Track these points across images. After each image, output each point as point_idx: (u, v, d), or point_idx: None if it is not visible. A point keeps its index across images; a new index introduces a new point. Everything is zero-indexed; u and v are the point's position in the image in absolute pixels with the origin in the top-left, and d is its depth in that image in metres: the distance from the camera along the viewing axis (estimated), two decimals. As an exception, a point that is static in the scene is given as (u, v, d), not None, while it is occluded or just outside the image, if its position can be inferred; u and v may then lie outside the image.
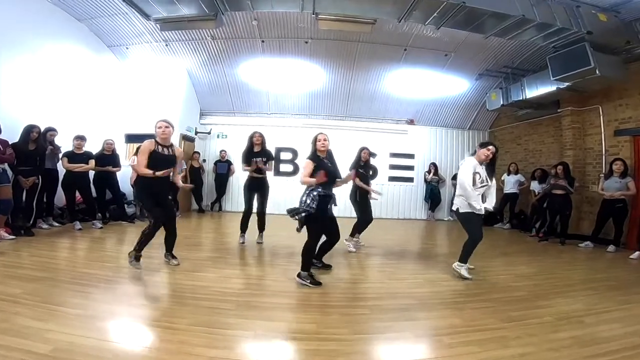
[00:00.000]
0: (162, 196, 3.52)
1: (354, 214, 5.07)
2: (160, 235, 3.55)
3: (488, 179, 3.66)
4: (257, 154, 4.78)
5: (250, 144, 4.80)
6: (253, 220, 4.96)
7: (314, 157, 3.42)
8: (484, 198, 3.70)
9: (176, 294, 2.93)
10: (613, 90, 6.14)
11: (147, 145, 3.43)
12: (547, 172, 6.90)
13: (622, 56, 5.52)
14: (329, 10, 4.82)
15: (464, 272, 3.62)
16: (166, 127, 3.47)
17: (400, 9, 4.70)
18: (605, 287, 3.51)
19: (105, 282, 3.04)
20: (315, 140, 3.49)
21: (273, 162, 4.88)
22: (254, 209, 4.91)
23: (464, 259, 3.67)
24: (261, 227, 5.02)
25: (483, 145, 3.74)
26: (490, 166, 3.73)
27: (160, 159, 3.42)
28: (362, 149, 4.97)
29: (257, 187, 4.84)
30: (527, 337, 2.25)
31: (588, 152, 6.74)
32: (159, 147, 3.47)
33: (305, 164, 3.40)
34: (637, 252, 4.99)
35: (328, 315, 2.51)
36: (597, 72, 5.19)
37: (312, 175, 3.28)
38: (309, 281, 3.17)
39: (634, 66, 5.71)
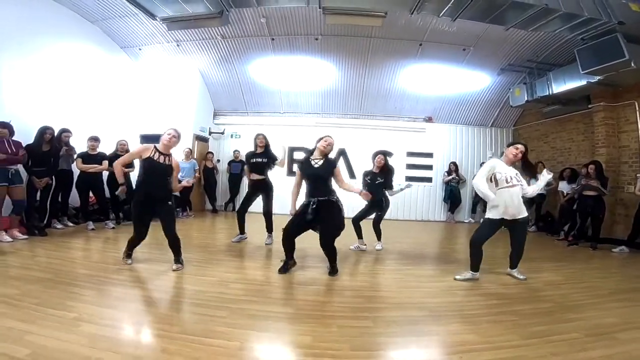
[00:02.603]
0: (161, 200, 3.42)
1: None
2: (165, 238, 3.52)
3: (517, 179, 3.45)
4: (258, 155, 4.77)
5: (255, 146, 4.81)
6: (261, 221, 4.95)
7: (302, 164, 3.52)
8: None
9: (173, 299, 2.83)
10: (650, 84, 5.67)
11: (143, 149, 3.42)
12: (577, 171, 6.43)
13: (660, 48, 5.05)
14: (336, 4, 4.64)
15: (469, 276, 3.58)
16: (174, 136, 3.43)
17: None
18: (642, 298, 3.12)
19: (104, 284, 2.96)
20: (319, 139, 3.51)
21: (277, 163, 4.78)
22: (260, 209, 4.90)
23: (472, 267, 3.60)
24: (269, 228, 4.95)
25: (511, 144, 3.61)
26: (527, 168, 3.61)
27: (155, 166, 3.36)
28: (376, 154, 4.85)
29: (257, 188, 4.81)
30: (550, 357, 1.97)
31: (623, 150, 6.24)
32: (157, 154, 3.40)
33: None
34: (679, 260, 4.52)
35: (326, 327, 2.30)
36: (633, 64, 4.84)
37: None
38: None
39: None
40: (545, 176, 3.43)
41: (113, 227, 5.70)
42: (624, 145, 6.23)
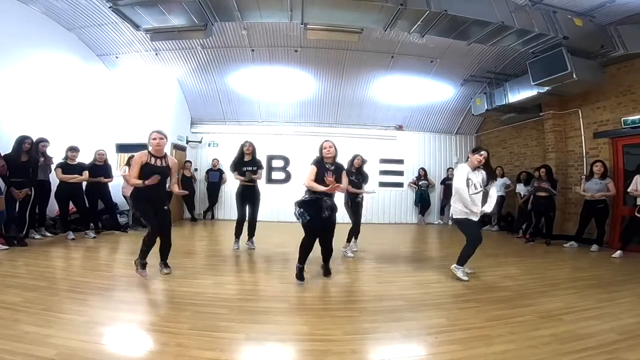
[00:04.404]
0: (158, 205, 3.55)
1: (348, 221, 5.14)
2: (156, 243, 3.61)
3: (481, 185, 3.80)
4: (247, 163, 4.92)
5: (241, 153, 4.94)
6: (244, 227, 5.09)
7: (318, 163, 3.62)
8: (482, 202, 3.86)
9: (172, 300, 3.00)
10: (591, 93, 6.35)
11: (139, 157, 3.49)
12: (532, 174, 7.08)
13: (599, 60, 5.71)
14: (317, 21, 4.93)
15: (461, 274, 3.75)
16: (160, 138, 3.52)
17: (386, 18, 4.82)
18: (586, 285, 3.65)
19: (102, 289, 3.09)
20: (321, 148, 3.69)
21: (262, 170, 5.04)
22: (246, 216, 5.05)
23: (461, 262, 3.81)
24: (251, 233, 5.13)
25: (475, 151, 3.90)
26: (488, 170, 3.89)
27: (153, 171, 3.44)
28: (355, 156, 5.07)
29: (248, 195, 4.97)
30: (509, 335, 2.35)
31: (570, 154, 6.94)
32: (152, 158, 3.51)
33: (310, 169, 3.59)
34: (619, 251, 5.15)
35: (320, 317, 2.60)
36: (574, 76, 5.34)
37: (315, 180, 3.50)
38: (295, 273, 3.52)
39: (610, 69, 5.97)
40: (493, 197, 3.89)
41: (94, 237, 5.69)
42: (570, 150, 6.93)
